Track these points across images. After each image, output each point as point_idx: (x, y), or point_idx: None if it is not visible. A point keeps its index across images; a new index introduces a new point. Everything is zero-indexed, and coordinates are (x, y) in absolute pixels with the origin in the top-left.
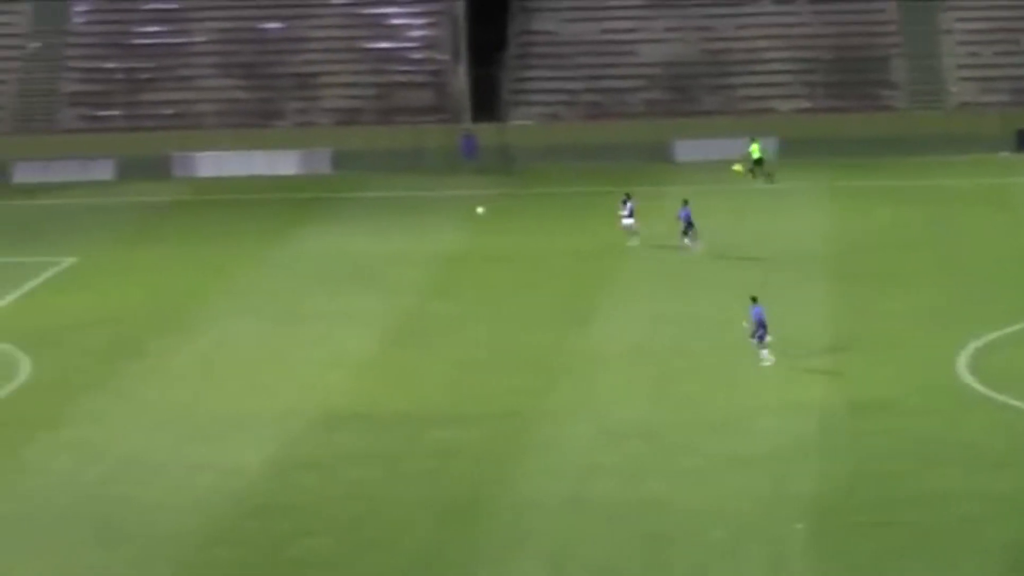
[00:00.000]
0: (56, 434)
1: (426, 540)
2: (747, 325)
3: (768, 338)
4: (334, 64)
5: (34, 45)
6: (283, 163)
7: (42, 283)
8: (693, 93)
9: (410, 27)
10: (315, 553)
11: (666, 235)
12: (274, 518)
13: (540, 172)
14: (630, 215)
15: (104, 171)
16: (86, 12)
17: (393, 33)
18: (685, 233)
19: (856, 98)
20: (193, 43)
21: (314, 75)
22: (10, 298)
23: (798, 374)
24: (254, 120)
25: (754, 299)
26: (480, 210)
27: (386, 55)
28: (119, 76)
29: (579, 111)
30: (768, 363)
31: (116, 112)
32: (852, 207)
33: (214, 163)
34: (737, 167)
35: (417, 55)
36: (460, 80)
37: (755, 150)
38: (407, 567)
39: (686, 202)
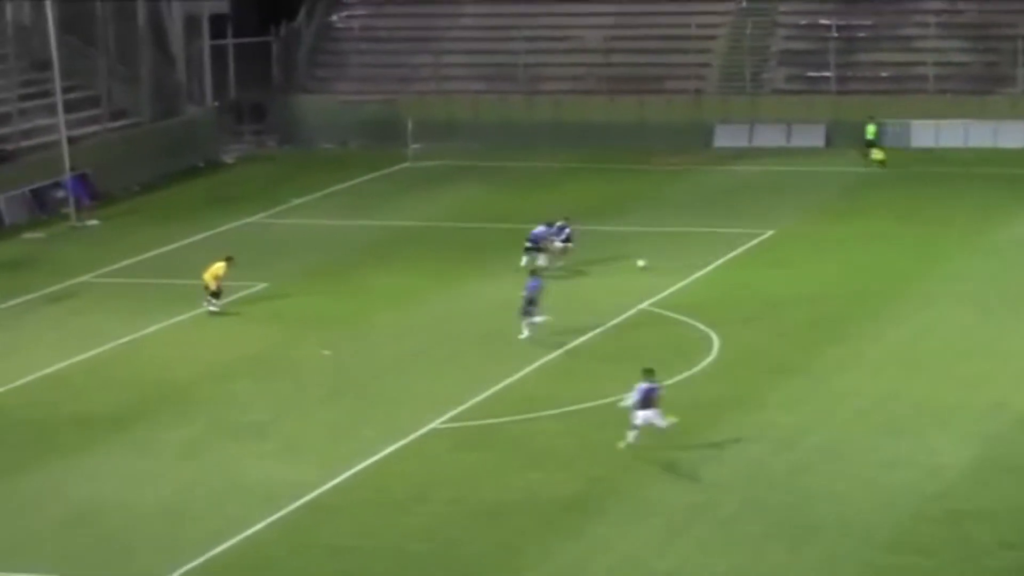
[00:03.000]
0: (745, 418)
1: None
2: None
3: (540, 319)
4: None
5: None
6: (1008, 135)
7: (736, 257)
8: None
9: None
10: (1015, 567)
11: None
12: (971, 525)
13: None
14: (566, 239)
15: (813, 137)
16: None
17: None
18: None
19: None
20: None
21: None
22: (703, 272)
23: None
24: (978, 87)
25: (533, 272)
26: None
27: None
28: (834, 34)
29: None
30: (523, 336)
31: (828, 73)
32: None
33: (930, 132)
34: (877, 156)
35: None
36: None
37: (870, 131)
38: None
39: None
